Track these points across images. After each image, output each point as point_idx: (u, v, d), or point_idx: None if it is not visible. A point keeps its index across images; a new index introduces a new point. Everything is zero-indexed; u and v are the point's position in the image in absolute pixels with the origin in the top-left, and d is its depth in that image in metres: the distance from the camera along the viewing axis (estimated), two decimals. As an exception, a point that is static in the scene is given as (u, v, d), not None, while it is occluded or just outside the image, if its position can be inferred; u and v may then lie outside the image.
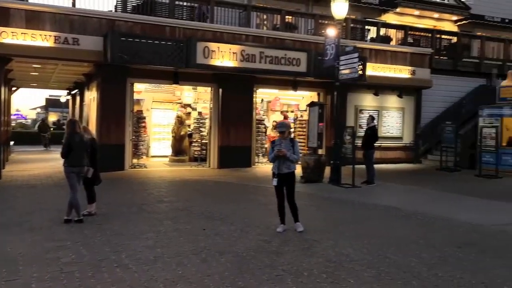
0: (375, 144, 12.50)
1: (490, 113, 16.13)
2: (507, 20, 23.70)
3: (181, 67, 13.56)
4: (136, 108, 15.17)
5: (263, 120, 16.41)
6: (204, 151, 15.41)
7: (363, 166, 12.10)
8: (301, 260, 5.48)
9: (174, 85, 15.08)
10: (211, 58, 13.71)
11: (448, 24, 23.13)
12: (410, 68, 17.32)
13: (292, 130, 17.20)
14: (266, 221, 7.25)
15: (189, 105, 17.42)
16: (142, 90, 16.48)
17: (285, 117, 17.21)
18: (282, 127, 6.95)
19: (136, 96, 15.61)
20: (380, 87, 17.16)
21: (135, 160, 14.38)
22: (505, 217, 8.22)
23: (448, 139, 15.88)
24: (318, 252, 5.81)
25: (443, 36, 20.10)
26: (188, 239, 6.31)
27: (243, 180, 12.36)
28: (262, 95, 17.35)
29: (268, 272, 5.02)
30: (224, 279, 4.80)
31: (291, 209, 6.87)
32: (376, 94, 17.29)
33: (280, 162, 6.74)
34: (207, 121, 15.53)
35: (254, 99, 15.44)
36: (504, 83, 16.44)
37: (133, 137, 14.19)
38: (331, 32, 12.58)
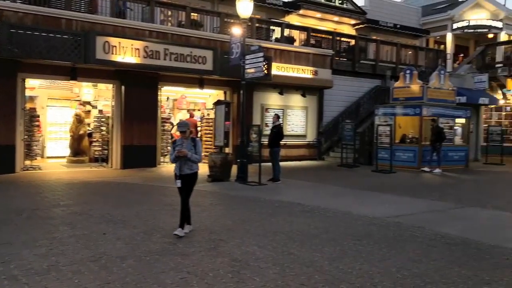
0: (280, 142, 12.75)
1: (385, 112, 17.24)
2: (398, 26, 25.49)
3: (79, 62, 12.79)
4: (28, 105, 14.05)
5: (169, 119, 16.03)
6: (106, 151, 14.69)
7: (270, 164, 12.29)
8: (207, 261, 5.36)
9: (71, 82, 14.16)
10: (112, 53, 13.09)
11: (347, 27, 24.35)
12: (312, 68, 17.93)
13: (199, 128, 17.08)
14: (171, 223, 7.03)
15: (88, 103, 16.50)
16: (36, 86, 15.28)
17: (191, 116, 16.98)
18: (182, 127, 6.71)
19: (29, 93, 14.46)
20: (285, 86, 17.56)
21: (28, 162, 13.33)
22: (398, 209, 8.77)
23: (347, 137, 16.70)
24: (224, 252, 5.74)
25: (342, 39, 21.12)
26: (87, 245, 5.90)
27: (148, 181, 11.96)
28: (168, 93, 16.97)
29: (173, 276, 4.84)
30: (125, 286, 4.54)
31: (183, 210, 6.56)
32: (281, 93, 17.67)
33: (181, 162, 6.51)
34: (109, 120, 14.82)
35: (159, 97, 15.02)
36: (397, 84, 17.65)
37: (25, 136, 13.13)
38: (237, 31, 12.60)
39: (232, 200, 9.81)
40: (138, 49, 13.57)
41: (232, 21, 16.48)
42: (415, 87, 16.75)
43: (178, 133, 7.06)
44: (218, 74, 15.06)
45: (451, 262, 5.40)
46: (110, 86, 14.67)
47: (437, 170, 15.29)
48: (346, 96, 19.97)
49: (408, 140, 16.73)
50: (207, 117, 16.79)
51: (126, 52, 13.34)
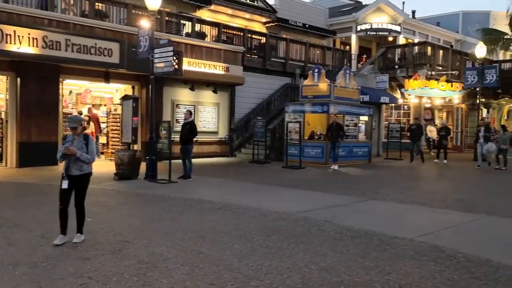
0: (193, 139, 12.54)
1: (294, 109, 17.67)
2: (307, 26, 26.28)
3: (-35, 51, 11.62)
4: None
5: (72, 114, 15.09)
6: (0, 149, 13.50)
7: (180, 161, 12.03)
8: (111, 264, 5.05)
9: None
10: (6, 43, 12.05)
11: (258, 25, 24.62)
12: (224, 64, 17.86)
13: (104, 125, 16.29)
14: (72, 224, 6.55)
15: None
16: None
17: (90, 110, 16.08)
18: (73, 122, 6.01)
19: None
20: (196, 82, 17.34)
21: None
22: (307, 204, 8.96)
23: (259, 134, 16.86)
24: (130, 254, 5.45)
25: (253, 36, 21.28)
26: (-29, 253, 5.31)
27: (47, 180, 11.12)
28: (71, 86, 15.98)
29: (72, 282, 4.48)
30: (15, 297, 4.12)
31: (77, 216, 5.99)
32: (192, 89, 17.41)
33: (70, 161, 5.84)
34: (3, 115, 13.61)
35: (60, 90, 14.08)
36: (306, 82, 18.15)
37: None
38: (145, 23, 12.14)
39: (140, 199, 9.44)
40: (36, 38, 12.60)
41: (140, 13, 15.89)
42: (323, 85, 17.31)
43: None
44: (125, 67, 14.45)
45: (355, 254, 5.58)
46: (4, 78, 13.47)
47: (335, 166, 15.47)
48: (258, 93, 20.18)
49: (316, 137, 17.28)
50: (114, 112, 16.06)
51: (22, 42, 12.34)
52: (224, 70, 17.88)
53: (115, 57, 14.24)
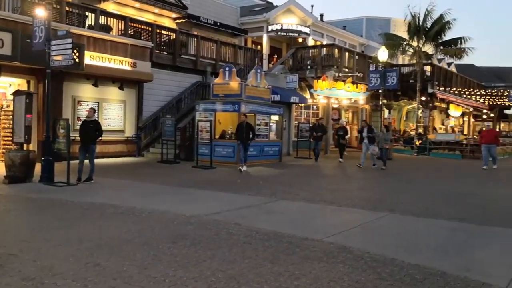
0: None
1: (205, 108, 17.29)
2: (219, 24, 26.01)
3: None
4: None
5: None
6: None
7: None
8: (-13, 283, 4.37)
9: None
10: None
11: (168, 20, 23.88)
12: (131, 60, 17.01)
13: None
14: None
15: None
16: None
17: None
18: None
19: None
20: (100, 77, 16.32)
21: None
22: (216, 205, 8.66)
23: (168, 132, 16.28)
24: (14, 269, 4.77)
25: (163, 32, 20.57)
26: None
27: None
28: (-46, 79, 14.27)
29: None
30: None
31: None
32: (95, 85, 16.36)
33: None
34: None
35: None
36: (217, 80, 17.85)
37: None
38: (41, 12, 11.09)
39: (33, 204, 8.55)
40: None
41: (36, 1, 14.60)
42: (234, 84, 17.14)
43: None
44: (18, 60, 13.17)
45: (265, 258, 5.37)
46: None
47: (244, 167, 14.81)
48: (167, 90, 19.54)
49: (228, 136, 17.06)
50: (7, 109, 14.62)
51: None
52: (131, 66, 17.03)
53: (6, 48, 12.92)
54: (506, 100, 33.88)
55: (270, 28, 28.90)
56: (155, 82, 18.28)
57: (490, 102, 37.32)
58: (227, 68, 17.51)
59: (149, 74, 17.87)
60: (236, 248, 5.79)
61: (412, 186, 12.45)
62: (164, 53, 20.13)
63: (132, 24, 19.03)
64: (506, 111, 42.05)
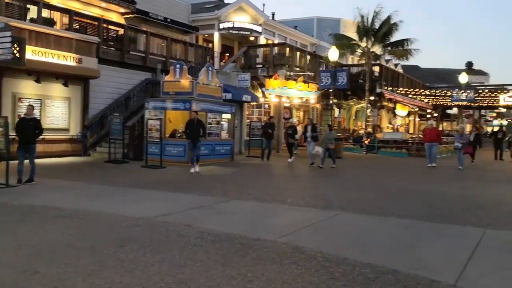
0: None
1: (155, 106, 16.87)
2: (169, 20, 25.50)
3: None
4: None
5: None
6: None
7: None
8: None
9: None
10: None
11: (116, 15, 23.11)
12: (76, 55, 16.34)
13: None
14: None
15: None
16: None
17: None
18: None
19: None
20: (43, 73, 15.57)
21: None
22: (166, 206, 8.40)
23: (116, 131, 15.75)
24: None
25: (110, 27, 19.91)
26: None
27: None
28: None
29: None
30: None
31: None
32: (38, 81, 15.59)
33: None
34: None
35: None
36: (167, 78, 17.47)
37: None
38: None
39: (-34, 209, 7.95)
40: None
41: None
42: (185, 82, 16.84)
43: None
44: (-48, 53, 12.27)
45: (216, 261, 5.20)
46: None
47: (196, 169, 14.12)
48: (115, 87, 18.92)
49: (178, 135, 16.72)
50: None
51: None
52: (76, 62, 16.34)
53: None
54: (449, 100, 35.29)
55: (221, 26, 28.66)
56: (102, 79, 17.64)
57: (434, 102, 38.86)
58: (178, 66, 17.16)
59: (96, 70, 17.23)
60: (186, 251, 5.59)
61: (362, 184, 12.65)
62: (112, 49, 19.48)
63: (77, 18, 18.26)
64: (448, 111, 43.93)
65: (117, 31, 20.03)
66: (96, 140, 17.90)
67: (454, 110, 43.21)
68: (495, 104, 39.14)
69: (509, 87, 37.83)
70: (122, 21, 22.57)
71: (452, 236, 6.78)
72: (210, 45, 28.65)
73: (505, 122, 79.46)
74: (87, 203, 8.44)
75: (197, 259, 5.26)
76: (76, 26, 17.98)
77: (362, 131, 29.47)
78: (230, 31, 28.98)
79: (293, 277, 4.76)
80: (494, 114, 69.04)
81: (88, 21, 18.94)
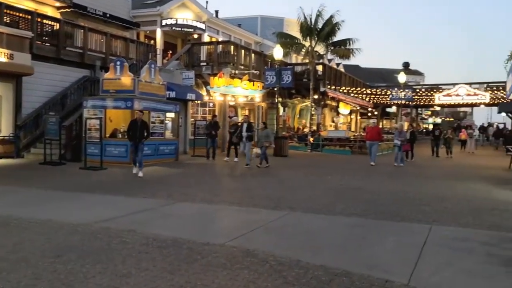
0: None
1: (94, 104, 16.11)
2: (108, 15, 24.52)
3: None
4: None
5: None
6: None
7: None
8: None
9: None
10: None
11: (51, 9, 21.89)
12: (7, 51, 15.31)
13: None
14: None
15: None
16: None
17: None
18: None
19: None
20: (-30, 69, 14.42)
21: None
22: (108, 211, 7.93)
23: (51, 131, 14.89)
24: None
25: (45, 21, 18.85)
26: None
27: None
28: None
29: None
30: None
31: None
32: (-37, 77, 14.42)
33: None
34: None
35: None
36: (107, 75, 16.73)
37: None
38: None
39: None
40: None
41: None
42: (126, 79, 16.22)
43: None
44: None
45: (163, 269, 4.89)
46: None
47: (140, 173, 12.84)
48: (51, 85, 17.94)
49: (120, 135, 16.06)
50: None
51: None
52: (7, 58, 15.29)
53: None
54: (388, 99, 36.49)
55: (164, 22, 27.98)
56: (36, 76, 16.62)
57: (375, 101, 40.02)
58: (118, 63, 16.47)
59: (29, 67, 16.20)
60: (130, 259, 5.22)
61: (309, 183, 12.66)
62: (47, 44, 18.43)
63: (8, 12, 17.10)
64: (388, 109, 45.45)
65: (53, 25, 18.96)
66: (30, 141, 16.85)
67: (393, 109, 44.86)
68: (431, 103, 40.96)
69: (443, 87, 39.75)
70: (58, 16, 21.43)
71: (400, 233, 6.82)
72: (153, 42, 27.90)
73: (438, 120, 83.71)
74: (20, 209, 7.81)
75: (142, 268, 4.92)
76: (7, 19, 16.82)
77: (306, 130, 29.79)
78: (173, 28, 28.36)
79: (245, 283, 4.54)
80: (429, 113, 72.53)
81: (21, 14, 17.78)
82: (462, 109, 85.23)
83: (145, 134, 13.34)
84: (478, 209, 8.84)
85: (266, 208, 8.60)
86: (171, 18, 28.01)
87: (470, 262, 5.45)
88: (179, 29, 28.55)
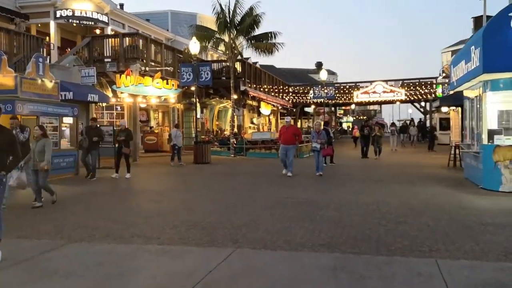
0: None
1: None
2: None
3: None
4: None
5: None
6: None
7: None
8: None
9: None
10: None
11: None
12: None
13: None
14: None
15: None
16: None
17: None
18: None
19: None
20: None
21: None
22: None
23: None
24: None
25: None
26: None
27: None
28: None
29: None
30: None
31: None
32: None
33: None
34: None
35: None
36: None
37: None
38: None
39: None
40: None
41: None
42: (7, 77, 12.84)
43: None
44: None
45: None
46: None
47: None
48: None
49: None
50: None
51: None
52: None
53: None
54: (308, 98, 35.37)
55: (58, 13, 24.15)
56: None
57: (294, 100, 38.78)
58: (-5, 57, 12.98)
59: None
60: None
61: (244, 198, 10.22)
62: None
63: None
64: (306, 109, 44.61)
65: None
66: None
67: (311, 108, 44.08)
68: (350, 101, 40.57)
69: (361, 84, 39.54)
70: None
71: (405, 279, 4.66)
72: (47, 38, 23.95)
73: (350, 119, 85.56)
74: None
75: None
76: None
77: (227, 132, 27.48)
78: (70, 20, 24.62)
79: None
80: (342, 112, 73.57)
81: None
82: (371, 107, 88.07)
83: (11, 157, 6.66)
84: (468, 227, 6.99)
85: (199, 244, 6.10)
86: (66, 9, 24.25)
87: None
88: (77, 21, 24.85)
